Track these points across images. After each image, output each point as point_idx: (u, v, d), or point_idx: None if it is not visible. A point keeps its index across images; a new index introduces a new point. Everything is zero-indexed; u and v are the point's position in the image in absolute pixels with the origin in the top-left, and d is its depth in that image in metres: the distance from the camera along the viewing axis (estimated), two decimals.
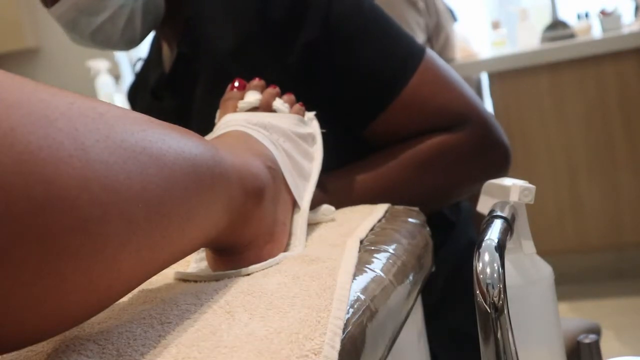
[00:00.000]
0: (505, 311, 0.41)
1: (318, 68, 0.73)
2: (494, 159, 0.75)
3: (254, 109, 0.61)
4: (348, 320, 0.36)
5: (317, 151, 0.63)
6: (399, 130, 0.74)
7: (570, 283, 2.22)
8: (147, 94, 0.89)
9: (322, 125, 0.67)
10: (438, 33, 1.91)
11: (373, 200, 0.68)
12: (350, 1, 0.74)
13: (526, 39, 2.39)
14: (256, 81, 0.64)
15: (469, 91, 0.76)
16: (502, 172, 0.75)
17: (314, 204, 0.59)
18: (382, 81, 0.73)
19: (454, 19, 2.10)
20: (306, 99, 0.69)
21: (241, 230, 0.46)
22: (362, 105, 0.74)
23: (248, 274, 0.45)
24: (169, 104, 0.85)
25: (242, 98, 0.62)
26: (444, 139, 0.73)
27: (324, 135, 0.66)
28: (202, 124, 0.68)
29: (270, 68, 0.73)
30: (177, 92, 0.83)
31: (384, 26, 0.75)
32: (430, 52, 0.76)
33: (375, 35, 0.74)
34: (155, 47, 0.93)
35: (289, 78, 0.72)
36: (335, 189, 0.72)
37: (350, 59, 0.73)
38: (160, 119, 0.88)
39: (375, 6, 0.76)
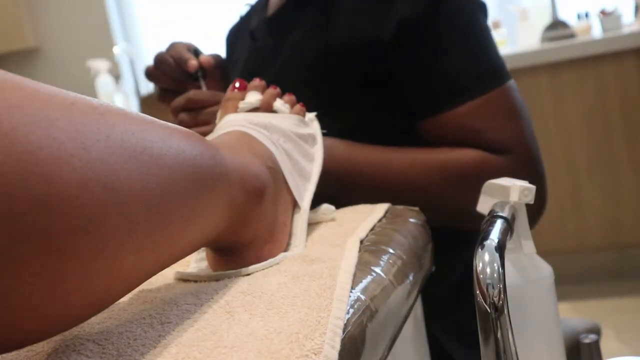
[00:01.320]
0: (505, 311, 0.41)
1: (405, 48, 0.74)
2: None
3: (255, 109, 0.61)
4: (348, 320, 0.36)
5: (318, 152, 0.63)
6: (445, 136, 0.75)
7: (570, 283, 2.22)
8: (247, 36, 0.94)
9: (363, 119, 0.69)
10: None
11: (386, 186, 0.70)
12: (463, 3, 0.75)
13: (526, 39, 2.40)
14: (257, 81, 0.64)
15: (530, 135, 0.76)
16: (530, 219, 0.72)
17: (338, 162, 0.61)
18: (446, 89, 0.74)
19: None
20: (385, 82, 0.74)
21: (241, 230, 0.46)
22: (421, 101, 0.76)
23: (248, 274, 0.45)
24: (264, 46, 0.88)
25: (242, 98, 0.62)
26: (482, 157, 0.73)
27: (376, 124, 0.67)
28: (290, 67, 0.78)
29: (367, 38, 0.75)
30: (274, 35, 0.86)
31: (479, 39, 0.76)
32: (511, 84, 0.76)
33: (466, 43, 0.75)
34: None
35: (380, 54, 0.75)
36: (356, 156, 0.74)
37: (433, 53, 0.74)
38: (254, 59, 0.91)
39: (481, 20, 0.77)
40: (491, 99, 0.74)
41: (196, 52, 0.87)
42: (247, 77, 0.87)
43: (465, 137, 0.74)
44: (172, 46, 0.86)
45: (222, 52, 1.08)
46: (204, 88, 0.84)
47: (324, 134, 0.66)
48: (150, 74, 0.86)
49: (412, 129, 0.78)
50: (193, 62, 0.82)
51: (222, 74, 0.92)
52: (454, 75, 0.74)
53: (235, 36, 1.03)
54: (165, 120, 0.38)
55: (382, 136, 0.77)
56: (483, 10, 0.79)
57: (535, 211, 0.75)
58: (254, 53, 0.90)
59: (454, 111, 0.74)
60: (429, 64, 0.74)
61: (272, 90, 0.63)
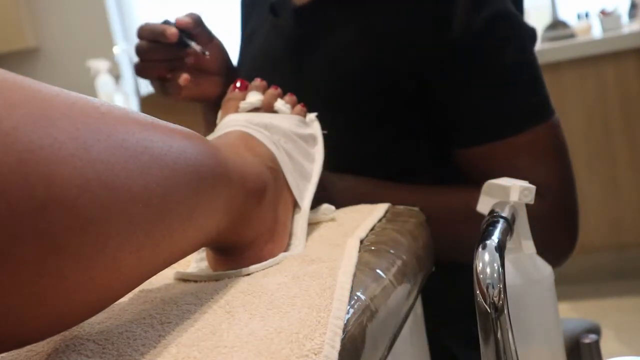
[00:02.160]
0: (505, 311, 0.41)
1: (452, 73, 0.71)
2: (555, 248, 0.70)
3: (256, 109, 0.61)
4: (348, 320, 0.36)
5: (318, 152, 0.63)
6: (478, 167, 0.72)
7: (570, 283, 2.22)
8: (265, 6, 0.88)
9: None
10: None
11: None
12: (516, 31, 0.72)
13: None
14: (257, 82, 0.64)
15: (569, 180, 0.73)
16: (554, 263, 0.67)
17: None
18: (489, 121, 0.71)
19: None
20: (425, 104, 0.71)
21: (242, 230, 0.46)
22: (461, 130, 0.73)
23: (248, 274, 0.45)
24: (290, 34, 0.82)
25: (243, 98, 0.62)
26: None
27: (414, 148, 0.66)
28: (325, 77, 0.75)
29: (415, 59, 0.72)
30: (303, 27, 0.81)
31: (527, 71, 0.73)
32: (555, 120, 0.73)
33: (514, 75, 0.72)
34: None
35: (426, 77, 0.71)
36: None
37: (480, 82, 0.71)
38: (275, 43, 0.85)
39: (531, 50, 0.74)
40: (534, 136, 0.71)
41: (167, 23, 0.77)
42: (269, 63, 0.82)
43: (500, 173, 0.69)
44: (141, 30, 0.76)
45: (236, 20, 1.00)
46: (197, 48, 0.76)
47: (324, 135, 0.66)
48: (139, 69, 0.78)
49: (444, 154, 0.75)
50: (171, 31, 0.73)
51: (207, 32, 0.81)
52: (499, 107, 0.71)
53: (251, 3, 0.97)
54: (166, 120, 0.38)
55: (412, 157, 0.75)
56: (533, 38, 0.76)
57: (563, 255, 0.74)
58: (276, 36, 0.85)
59: (494, 144, 0.71)
60: (474, 92, 0.71)
61: (273, 91, 0.63)
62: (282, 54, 0.83)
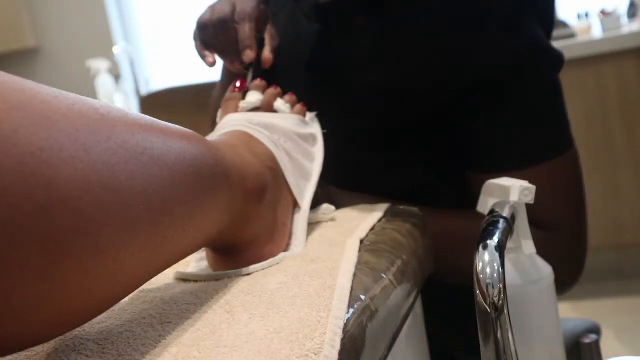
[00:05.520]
0: (505, 311, 0.41)
1: (476, 101, 0.70)
2: (560, 280, 0.71)
3: (256, 109, 0.61)
4: (348, 320, 0.36)
5: (318, 151, 0.63)
6: None
7: None
8: None
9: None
10: None
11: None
12: (545, 65, 0.72)
13: None
14: (257, 82, 0.64)
15: (580, 215, 0.73)
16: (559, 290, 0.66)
17: None
18: (507, 150, 0.70)
19: None
20: (443, 126, 0.70)
21: (242, 230, 0.46)
22: (477, 156, 0.72)
23: (248, 274, 0.45)
24: (308, 30, 0.79)
25: (243, 98, 0.62)
26: None
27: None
28: (345, 87, 0.74)
29: (439, 82, 0.70)
30: (323, 25, 0.78)
31: (552, 105, 0.72)
32: (573, 152, 0.73)
33: (538, 108, 0.71)
34: None
35: (448, 101, 0.70)
36: None
37: (502, 111, 0.70)
38: (290, 35, 0.82)
39: (558, 81, 0.73)
40: (553, 168, 0.70)
41: (262, 40, 0.75)
42: (291, 60, 0.79)
43: None
44: (244, 17, 0.71)
45: None
46: (248, 79, 0.71)
47: (324, 134, 0.66)
48: (204, 27, 0.74)
49: (458, 175, 0.74)
50: (250, 54, 0.71)
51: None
52: (522, 137, 0.70)
53: None
54: (166, 121, 0.38)
55: (425, 176, 0.74)
56: (560, 64, 0.74)
57: (566, 287, 0.74)
58: (297, 28, 0.81)
59: (513, 173, 0.67)
60: (497, 122, 0.70)
61: (272, 90, 0.63)
62: (301, 51, 0.80)
